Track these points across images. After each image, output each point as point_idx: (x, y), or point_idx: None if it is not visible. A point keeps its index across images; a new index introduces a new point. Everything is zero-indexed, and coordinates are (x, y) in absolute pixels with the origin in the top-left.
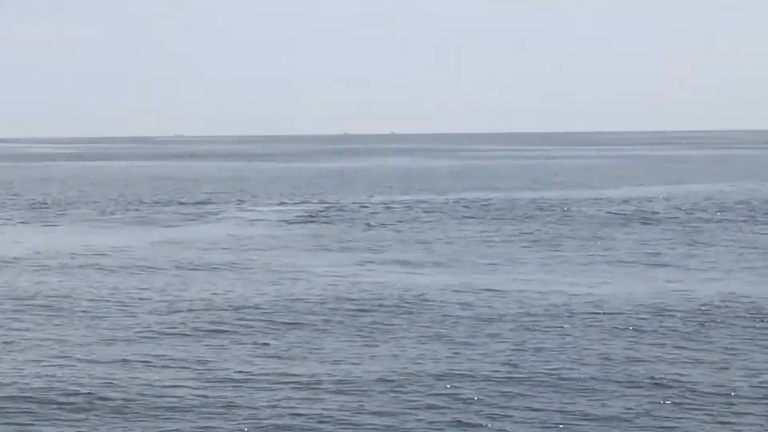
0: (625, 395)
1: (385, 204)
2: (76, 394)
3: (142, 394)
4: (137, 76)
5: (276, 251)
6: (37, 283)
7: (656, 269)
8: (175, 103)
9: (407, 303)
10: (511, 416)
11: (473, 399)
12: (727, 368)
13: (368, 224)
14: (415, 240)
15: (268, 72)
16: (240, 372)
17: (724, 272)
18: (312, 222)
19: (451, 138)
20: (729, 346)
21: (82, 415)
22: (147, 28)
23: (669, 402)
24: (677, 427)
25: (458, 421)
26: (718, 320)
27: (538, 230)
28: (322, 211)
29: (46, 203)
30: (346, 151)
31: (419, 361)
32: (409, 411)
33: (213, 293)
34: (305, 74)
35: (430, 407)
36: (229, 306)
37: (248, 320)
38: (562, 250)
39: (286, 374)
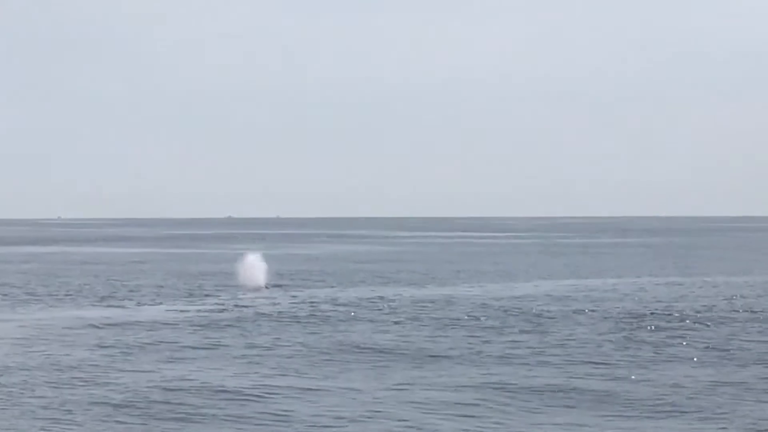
0: None
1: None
2: None
3: None
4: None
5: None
6: None
7: None
8: (54, 182)
9: None
10: None
11: None
12: None
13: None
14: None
15: (150, 150)
16: None
17: None
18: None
19: (336, 222)
20: None
21: None
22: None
23: None
24: None
25: None
26: None
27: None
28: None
29: None
30: (226, 236)
31: None
32: None
33: None
34: (189, 154)
35: None
36: None
37: None
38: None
39: None
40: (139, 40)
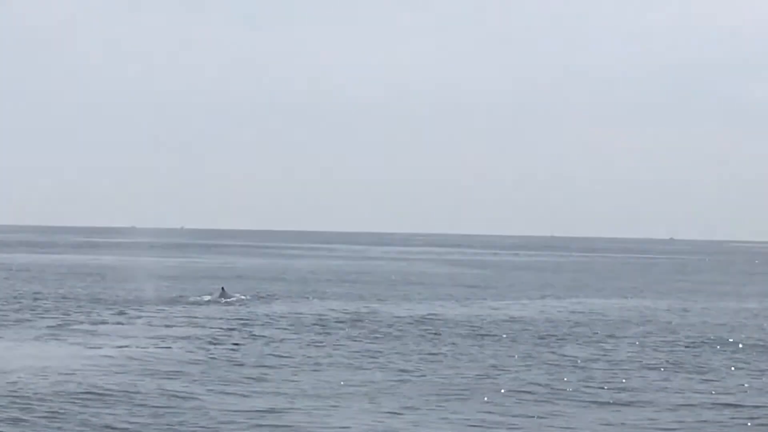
0: None
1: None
2: None
3: None
4: None
5: None
6: None
7: None
8: None
9: None
10: None
11: None
12: None
13: None
14: None
15: (49, 162)
16: None
17: None
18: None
19: (248, 234)
20: None
21: None
22: None
23: None
24: None
25: None
26: None
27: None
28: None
29: None
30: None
31: None
32: None
33: None
34: (88, 163)
35: None
36: None
37: None
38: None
39: None
40: (38, 47)
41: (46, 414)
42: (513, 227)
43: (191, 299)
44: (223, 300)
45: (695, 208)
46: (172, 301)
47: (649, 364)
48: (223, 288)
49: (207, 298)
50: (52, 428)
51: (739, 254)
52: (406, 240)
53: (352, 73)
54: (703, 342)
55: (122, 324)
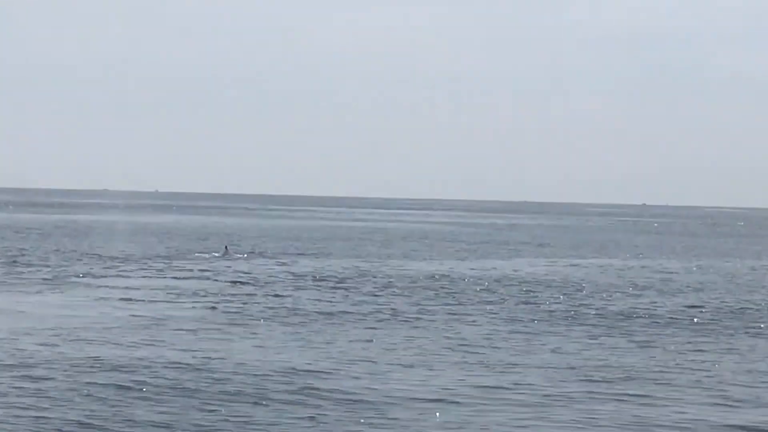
0: None
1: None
2: None
3: None
4: None
5: None
6: None
7: None
8: None
9: None
10: None
11: None
12: None
13: None
14: None
15: (18, 123)
16: None
17: None
18: None
19: (224, 197)
20: None
21: None
22: None
23: None
24: None
25: None
26: None
27: None
28: None
29: None
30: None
31: None
32: None
33: None
34: (58, 125)
35: None
36: None
37: None
38: None
39: None
40: None
41: (67, 374)
42: (486, 193)
43: (197, 256)
44: (227, 257)
45: (665, 174)
46: (179, 257)
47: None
48: (226, 247)
49: (216, 255)
50: (75, 391)
51: (723, 218)
52: (385, 204)
53: (330, 33)
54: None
55: (133, 278)
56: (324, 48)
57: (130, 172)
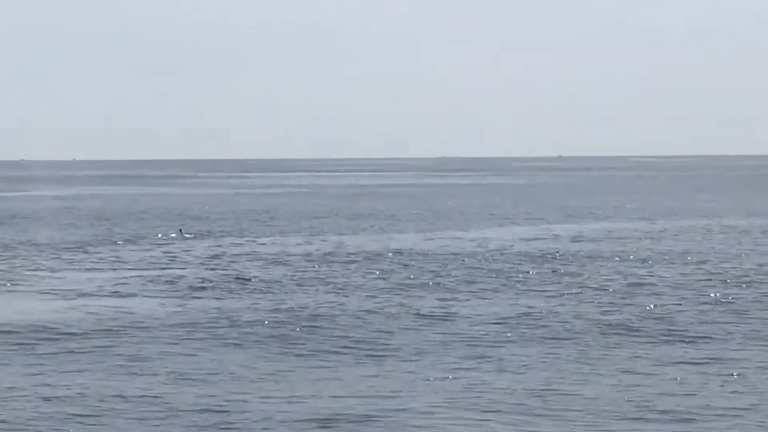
0: None
1: None
2: None
3: None
4: None
5: None
6: None
7: None
8: None
9: None
10: None
11: None
12: None
13: None
14: None
15: None
16: None
17: None
18: None
19: (152, 164)
20: None
21: None
22: None
23: None
24: None
25: None
26: None
27: None
28: None
29: None
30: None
31: None
32: None
33: None
34: None
35: None
36: None
37: None
38: None
39: None
40: None
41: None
42: (400, 150)
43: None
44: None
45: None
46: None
47: None
48: (180, 230)
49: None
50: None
51: (646, 169)
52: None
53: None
54: None
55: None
56: None
57: (47, 140)
